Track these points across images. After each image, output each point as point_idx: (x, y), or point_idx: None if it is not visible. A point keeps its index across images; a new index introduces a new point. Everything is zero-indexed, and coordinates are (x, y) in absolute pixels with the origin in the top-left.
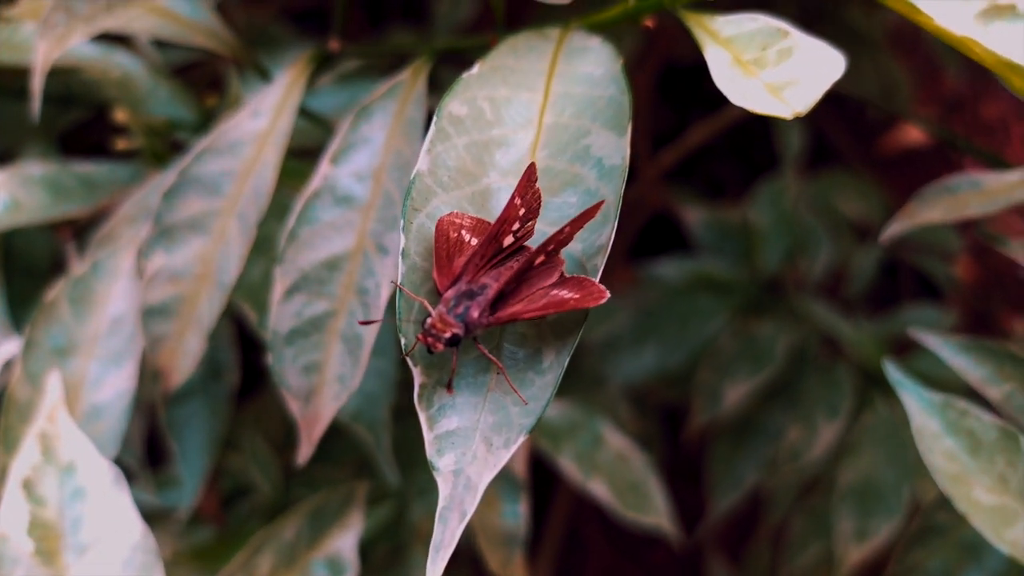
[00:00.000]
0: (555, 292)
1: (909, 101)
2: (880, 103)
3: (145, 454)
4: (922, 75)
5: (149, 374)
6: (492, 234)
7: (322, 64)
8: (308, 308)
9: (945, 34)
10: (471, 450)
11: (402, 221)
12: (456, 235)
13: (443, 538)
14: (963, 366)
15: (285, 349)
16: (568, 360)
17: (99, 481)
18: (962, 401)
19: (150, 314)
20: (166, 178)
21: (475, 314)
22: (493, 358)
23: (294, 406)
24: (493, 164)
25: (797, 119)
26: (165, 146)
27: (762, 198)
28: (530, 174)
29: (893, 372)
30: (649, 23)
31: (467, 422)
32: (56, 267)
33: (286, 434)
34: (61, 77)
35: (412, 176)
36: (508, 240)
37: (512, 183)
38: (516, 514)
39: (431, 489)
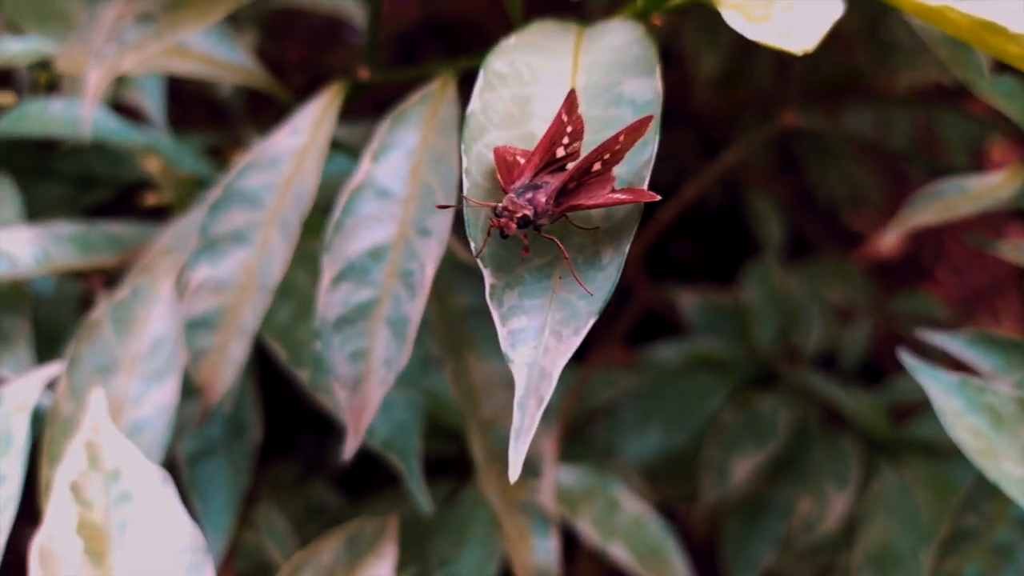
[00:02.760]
0: (611, 195)
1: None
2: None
3: None
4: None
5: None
6: (546, 144)
7: (354, 92)
8: (354, 296)
9: (922, 8)
10: (542, 343)
11: (463, 146)
12: (512, 159)
13: (523, 424)
14: (973, 358)
15: (333, 336)
16: (627, 251)
17: (145, 485)
18: (977, 379)
19: (193, 327)
20: (211, 194)
21: (541, 199)
22: (557, 241)
23: (342, 395)
24: (534, 113)
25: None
26: (192, 200)
27: (751, 279)
28: (571, 99)
29: (908, 359)
30: (657, 21)
31: (536, 322)
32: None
33: (305, 510)
34: (82, 155)
35: (467, 113)
36: (560, 152)
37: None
38: (547, 551)
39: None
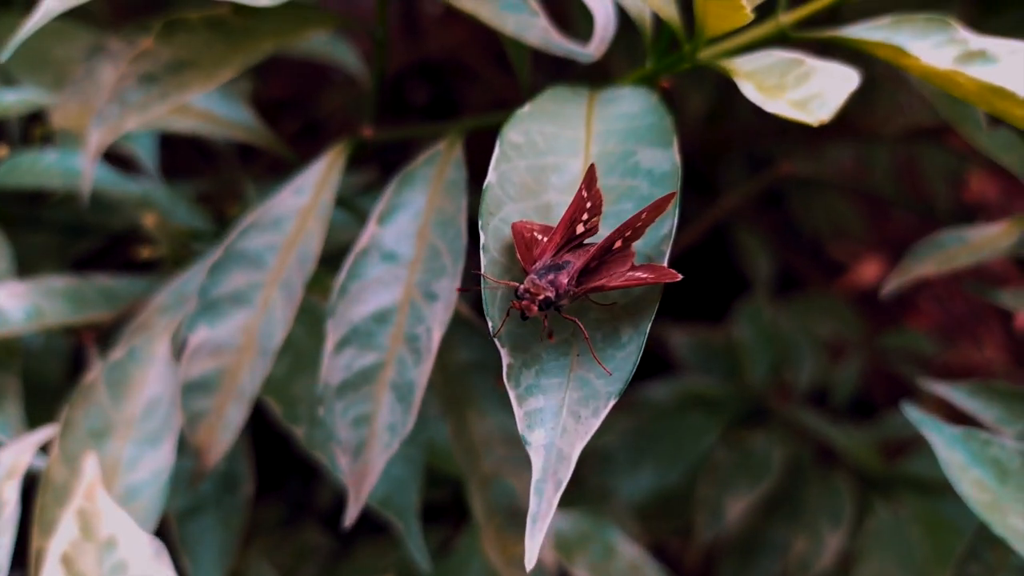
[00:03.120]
0: (631, 273)
1: (861, 239)
2: (834, 241)
3: None
4: (871, 213)
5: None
6: (567, 221)
7: (357, 151)
8: (358, 360)
9: (931, 72)
10: (560, 424)
11: (481, 222)
12: (530, 235)
13: (540, 509)
14: (975, 409)
15: (335, 402)
16: (648, 331)
17: (140, 555)
18: (982, 432)
19: (190, 390)
20: (211, 256)
21: (564, 280)
22: (577, 322)
23: (343, 461)
24: (550, 184)
25: (763, 248)
26: (186, 254)
27: (742, 317)
28: (591, 174)
29: (912, 412)
30: (666, 84)
31: (553, 401)
32: (77, 371)
33: (295, 553)
34: (72, 205)
35: (484, 187)
36: (580, 228)
37: (569, 199)
38: None
39: None
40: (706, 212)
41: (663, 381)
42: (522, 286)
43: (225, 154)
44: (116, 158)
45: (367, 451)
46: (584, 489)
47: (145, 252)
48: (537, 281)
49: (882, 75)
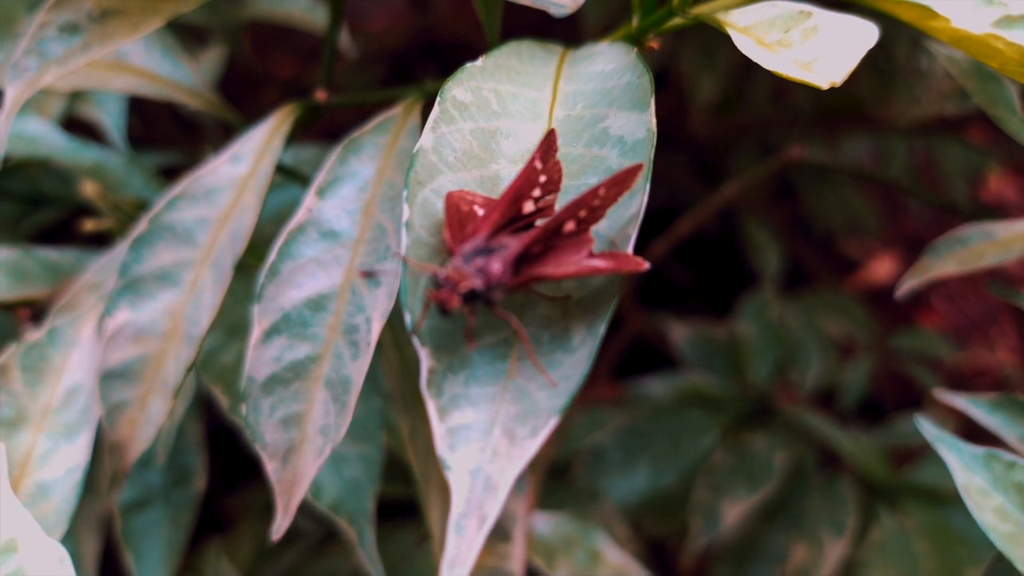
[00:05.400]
0: (586, 262)
1: (875, 235)
2: (847, 236)
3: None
4: (886, 209)
5: (105, 478)
6: (511, 195)
7: (310, 115)
8: (289, 352)
9: (964, 36)
10: (490, 445)
11: (405, 192)
12: (468, 209)
13: (459, 551)
14: (996, 425)
15: (262, 399)
16: (602, 332)
17: (42, 561)
18: (1005, 452)
19: (109, 378)
20: (135, 229)
21: (495, 268)
22: (516, 322)
23: (270, 467)
24: (500, 151)
25: (773, 242)
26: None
27: (747, 312)
28: (550, 141)
29: (927, 428)
30: (654, 44)
31: (484, 415)
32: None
33: (255, 557)
34: (30, 174)
35: (415, 151)
36: (528, 207)
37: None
38: None
39: None
40: (710, 198)
41: (661, 377)
42: (443, 272)
43: (203, 124)
44: (81, 125)
45: (296, 456)
46: (572, 489)
47: (88, 225)
48: (462, 267)
49: (904, 67)
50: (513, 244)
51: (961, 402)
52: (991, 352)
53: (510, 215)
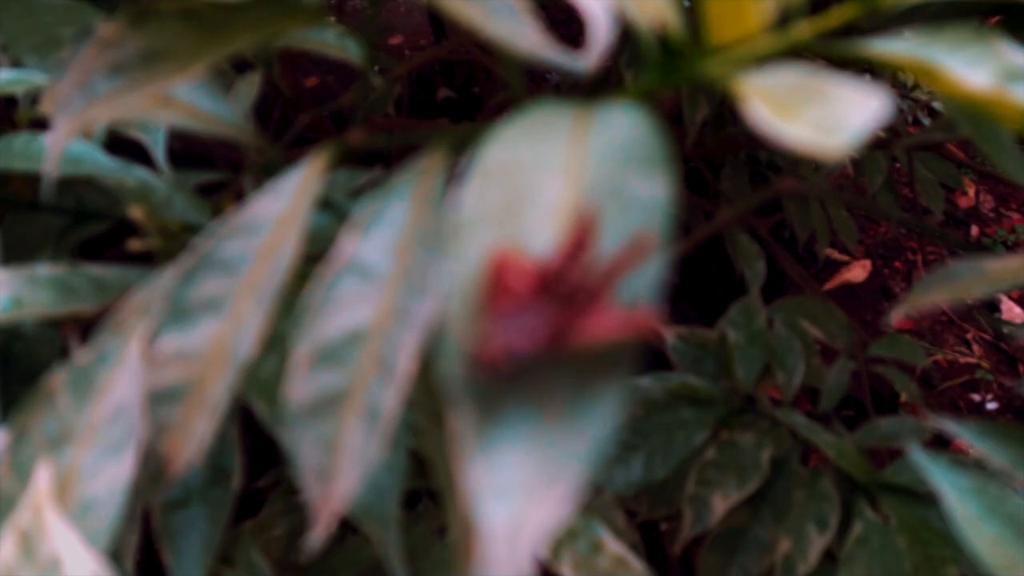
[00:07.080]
0: (607, 323)
1: (853, 240)
2: (826, 242)
3: (137, 570)
4: (863, 220)
5: (148, 478)
6: (537, 272)
7: (344, 156)
8: (326, 381)
9: (977, 100)
10: (523, 499)
11: (443, 258)
12: (505, 275)
13: None
14: (985, 451)
15: (301, 425)
16: (620, 397)
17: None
18: (994, 482)
19: (157, 398)
20: (184, 262)
21: (535, 330)
22: (545, 380)
23: (307, 486)
24: (527, 215)
25: (760, 254)
26: (180, 248)
27: (735, 317)
28: (582, 220)
29: (921, 458)
30: (665, 99)
31: (516, 472)
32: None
33: (287, 547)
34: (75, 190)
35: (452, 213)
36: (563, 274)
37: (548, 231)
38: None
39: None
40: (705, 224)
41: (654, 377)
42: (474, 347)
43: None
44: (126, 143)
45: (333, 477)
46: None
47: (136, 245)
48: (504, 330)
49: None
50: (549, 309)
51: (951, 426)
52: (966, 348)
53: (548, 281)
